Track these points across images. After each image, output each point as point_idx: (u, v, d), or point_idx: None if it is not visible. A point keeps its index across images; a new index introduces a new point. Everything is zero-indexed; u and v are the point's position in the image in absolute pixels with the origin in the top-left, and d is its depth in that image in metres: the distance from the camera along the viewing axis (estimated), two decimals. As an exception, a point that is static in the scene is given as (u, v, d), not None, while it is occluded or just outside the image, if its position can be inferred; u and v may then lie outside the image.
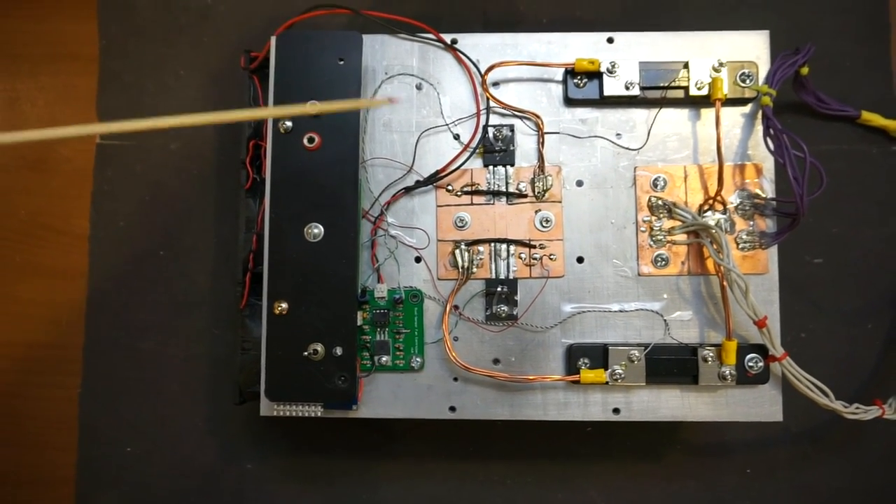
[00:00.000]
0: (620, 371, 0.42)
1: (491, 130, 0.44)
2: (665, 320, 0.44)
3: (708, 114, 0.44)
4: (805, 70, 0.48)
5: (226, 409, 0.54)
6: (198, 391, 0.54)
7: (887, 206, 0.54)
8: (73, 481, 0.54)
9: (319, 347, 0.41)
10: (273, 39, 0.44)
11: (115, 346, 0.55)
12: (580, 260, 0.44)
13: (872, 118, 0.53)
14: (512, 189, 0.44)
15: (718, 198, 0.43)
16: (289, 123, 0.42)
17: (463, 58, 0.45)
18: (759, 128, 0.44)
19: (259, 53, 0.46)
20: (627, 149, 0.45)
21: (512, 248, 0.44)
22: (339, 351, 0.41)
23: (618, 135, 0.45)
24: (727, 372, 0.42)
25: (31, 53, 0.58)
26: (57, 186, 0.57)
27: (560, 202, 0.44)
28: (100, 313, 0.55)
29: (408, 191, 0.44)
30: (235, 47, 0.56)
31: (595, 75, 0.44)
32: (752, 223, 0.44)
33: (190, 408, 0.54)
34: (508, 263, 0.44)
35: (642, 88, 0.43)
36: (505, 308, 0.43)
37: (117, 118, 0.57)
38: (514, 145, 0.44)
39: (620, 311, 0.44)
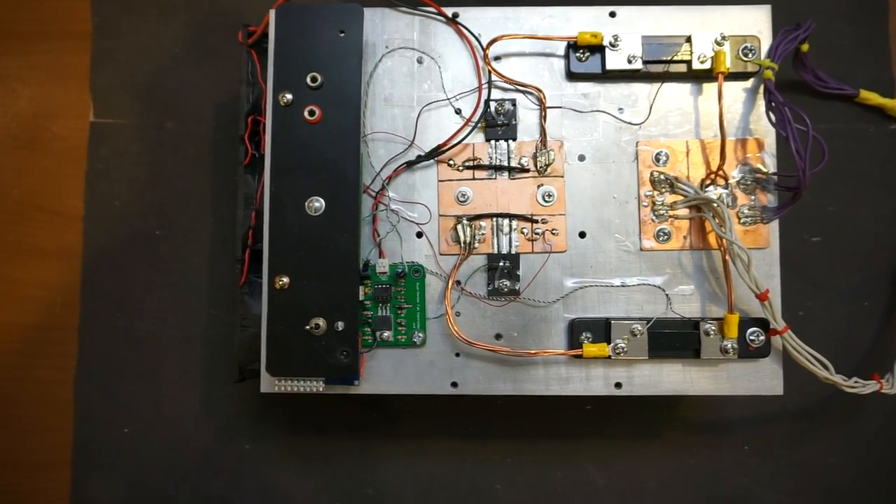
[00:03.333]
0: (623, 345, 0.42)
1: (493, 105, 0.44)
2: (667, 294, 0.44)
3: (710, 88, 0.44)
4: (805, 47, 0.48)
5: (223, 390, 0.54)
6: (195, 372, 0.54)
7: (884, 185, 0.54)
8: (69, 463, 0.54)
9: (321, 322, 0.41)
10: (272, 12, 0.43)
11: (110, 326, 0.54)
12: (582, 235, 0.44)
13: (870, 97, 0.53)
14: (514, 164, 0.44)
15: (720, 172, 0.43)
16: (289, 96, 0.42)
17: (464, 31, 0.44)
18: (761, 102, 0.44)
19: (257, 28, 0.45)
20: (629, 123, 0.44)
21: (514, 222, 0.44)
22: (340, 325, 0.41)
23: (620, 109, 0.45)
24: (729, 346, 0.42)
25: (22, 31, 0.57)
26: (50, 166, 0.56)
27: (562, 177, 0.44)
28: (95, 294, 0.55)
29: (409, 165, 0.44)
30: (231, 25, 0.55)
31: (597, 49, 0.44)
32: (753, 198, 0.44)
33: (187, 388, 0.54)
34: (510, 238, 0.44)
35: (645, 62, 0.43)
36: (507, 283, 0.43)
37: (111, 97, 0.56)
38: (516, 120, 0.44)
39: (622, 286, 0.44)
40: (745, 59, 0.43)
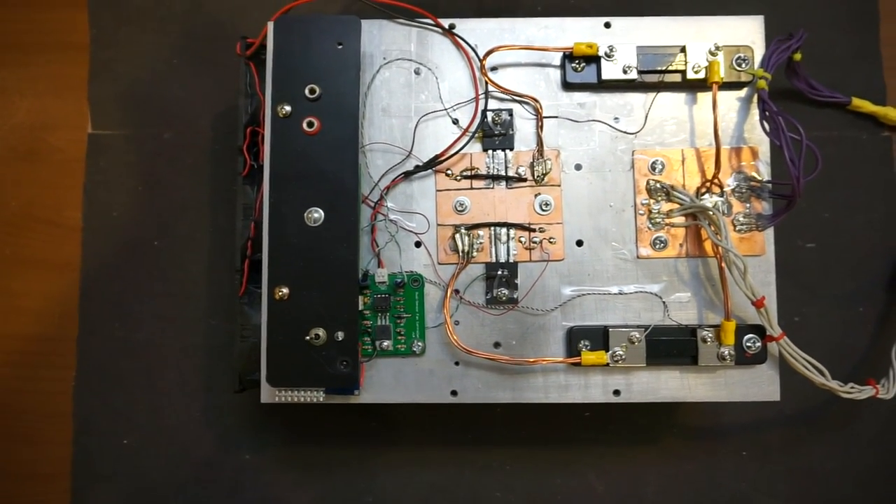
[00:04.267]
0: (621, 353, 0.42)
1: (490, 115, 0.44)
2: (664, 302, 0.44)
3: (704, 98, 0.45)
4: (798, 56, 0.48)
5: (223, 400, 0.54)
6: (194, 382, 0.54)
7: (877, 191, 0.55)
8: (68, 475, 0.54)
9: (321, 332, 0.41)
10: (270, 24, 0.44)
11: (109, 337, 0.54)
12: (580, 243, 0.44)
13: (863, 105, 0.54)
14: (511, 173, 0.44)
15: (715, 181, 0.44)
16: (288, 108, 0.42)
17: (461, 42, 0.45)
18: (755, 111, 0.45)
19: (255, 40, 0.46)
20: (625, 133, 0.45)
21: (512, 231, 0.44)
22: (340, 335, 0.41)
23: (616, 119, 0.45)
24: (726, 352, 0.43)
25: (20, 42, 0.57)
26: (48, 177, 0.56)
27: (559, 186, 0.44)
28: (94, 305, 0.55)
29: (407, 176, 0.44)
30: (230, 36, 0.56)
31: (593, 59, 0.44)
32: (748, 206, 0.44)
33: (186, 399, 0.54)
34: (508, 247, 0.44)
35: (640, 72, 0.44)
36: (505, 291, 0.44)
37: (109, 108, 0.56)
38: (512, 129, 0.45)
39: (620, 294, 0.44)
40: (738, 68, 0.44)
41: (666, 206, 0.44)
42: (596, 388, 0.44)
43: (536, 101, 0.44)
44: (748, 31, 0.45)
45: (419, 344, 0.44)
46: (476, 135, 0.45)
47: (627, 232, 0.44)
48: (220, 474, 0.53)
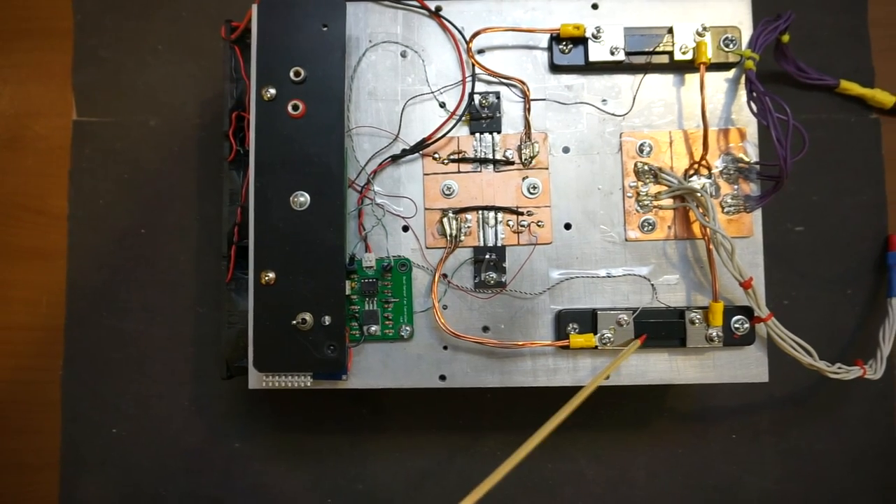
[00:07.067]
0: (609, 335, 0.42)
1: (477, 98, 0.44)
2: (652, 284, 0.44)
3: (692, 79, 0.44)
4: (786, 37, 0.48)
5: (212, 388, 0.54)
6: (183, 370, 0.54)
7: (865, 174, 0.55)
8: (57, 465, 0.53)
9: (308, 317, 0.41)
10: (254, 7, 0.43)
11: (97, 326, 0.54)
12: (568, 226, 0.44)
13: (851, 87, 0.54)
14: (499, 156, 0.44)
15: (703, 162, 0.44)
16: (272, 91, 0.41)
17: (447, 25, 0.44)
18: (743, 93, 0.44)
19: (240, 23, 0.45)
20: (613, 115, 0.45)
21: (500, 215, 0.44)
22: (327, 320, 0.41)
23: (603, 101, 0.45)
24: (714, 334, 0.43)
25: (2, 29, 0.57)
26: (33, 165, 0.56)
27: (547, 169, 0.44)
28: (81, 294, 0.54)
29: (394, 159, 0.44)
30: (214, 21, 0.55)
31: (580, 41, 0.44)
32: (736, 187, 0.44)
33: (175, 387, 0.54)
34: (496, 231, 0.44)
35: (627, 54, 0.44)
36: (493, 275, 0.43)
37: (94, 95, 0.56)
38: (500, 112, 0.44)
39: (608, 277, 0.44)
40: (726, 49, 0.43)
41: (654, 189, 0.44)
42: (584, 372, 0.44)
43: (524, 83, 0.44)
44: (735, 12, 0.44)
45: (407, 328, 0.44)
46: (463, 118, 0.44)
47: (615, 214, 0.44)
48: (210, 463, 0.53)
